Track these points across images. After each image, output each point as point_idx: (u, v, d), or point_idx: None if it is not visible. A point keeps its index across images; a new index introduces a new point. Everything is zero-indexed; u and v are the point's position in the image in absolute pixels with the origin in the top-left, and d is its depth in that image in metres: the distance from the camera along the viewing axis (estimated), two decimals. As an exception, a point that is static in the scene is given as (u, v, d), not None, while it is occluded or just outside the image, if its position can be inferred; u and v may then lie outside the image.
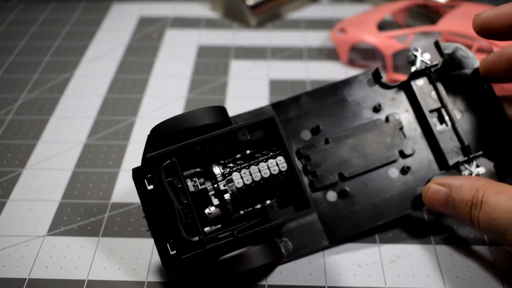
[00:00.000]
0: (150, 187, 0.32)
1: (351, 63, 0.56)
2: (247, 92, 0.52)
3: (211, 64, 0.57)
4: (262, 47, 0.59)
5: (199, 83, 0.54)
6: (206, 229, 0.32)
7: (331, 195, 0.37)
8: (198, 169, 0.33)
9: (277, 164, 0.33)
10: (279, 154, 0.33)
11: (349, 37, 0.54)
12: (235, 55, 0.58)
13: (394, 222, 0.39)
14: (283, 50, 0.59)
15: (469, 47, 0.55)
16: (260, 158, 0.33)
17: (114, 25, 0.63)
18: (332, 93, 0.39)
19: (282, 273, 0.35)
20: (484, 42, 0.50)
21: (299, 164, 0.37)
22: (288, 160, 0.33)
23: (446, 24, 0.51)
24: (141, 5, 0.67)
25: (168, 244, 0.32)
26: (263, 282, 0.35)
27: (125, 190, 0.42)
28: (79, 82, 0.54)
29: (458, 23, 0.50)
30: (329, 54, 0.58)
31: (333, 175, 0.37)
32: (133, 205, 0.41)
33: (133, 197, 0.41)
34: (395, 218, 0.37)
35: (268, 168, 0.33)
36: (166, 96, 0.52)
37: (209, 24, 0.63)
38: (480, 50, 0.51)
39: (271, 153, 0.33)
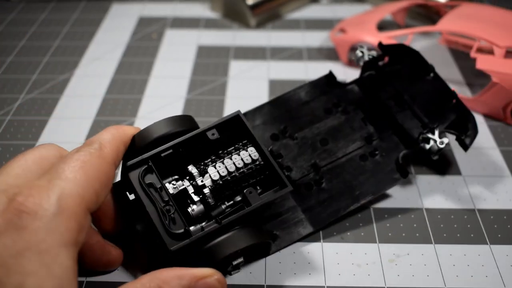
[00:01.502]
0: (132, 196, 0.33)
1: (350, 63, 0.56)
2: (246, 92, 0.52)
3: (211, 64, 0.57)
4: (262, 47, 0.59)
5: (199, 83, 0.54)
6: (192, 228, 0.32)
7: (307, 185, 0.38)
8: (176, 176, 0.34)
9: (249, 155, 0.34)
10: (250, 146, 0.35)
11: (349, 37, 0.54)
12: (234, 55, 0.58)
13: (380, 211, 0.39)
14: (282, 50, 0.59)
15: (470, 47, 0.56)
16: (234, 152, 0.34)
17: (113, 25, 0.63)
18: (293, 98, 0.42)
19: (281, 274, 0.35)
20: (484, 42, 0.49)
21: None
22: (258, 148, 0.34)
23: (446, 24, 0.51)
24: (141, 5, 0.68)
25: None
26: (262, 283, 0.35)
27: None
28: (78, 82, 0.54)
29: (458, 23, 0.50)
30: (329, 54, 0.58)
31: (307, 167, 0.39)
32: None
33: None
34: (374, 196, 0.38)
35: (242, 159, 0.34)
36: (165, 96, 0.52)
37: (208, 24, 0.64)
38: (480, 50, 0.51)
39: (242, 146, 0.35)
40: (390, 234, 0.38)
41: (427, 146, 0.39)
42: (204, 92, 0.52)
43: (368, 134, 0.41)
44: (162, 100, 0.52)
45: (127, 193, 0.34)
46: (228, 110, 0.50)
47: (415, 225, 0.39)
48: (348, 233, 0.38)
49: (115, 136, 0.32)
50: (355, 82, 0.44)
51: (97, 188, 0.29)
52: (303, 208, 0.38)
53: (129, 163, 0.33)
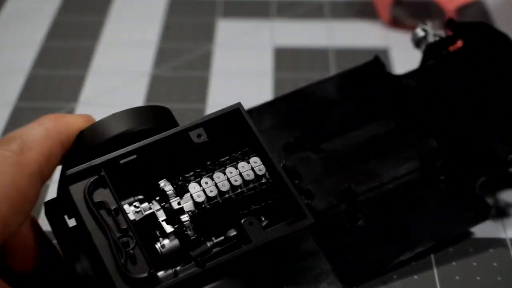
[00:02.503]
0: (72, 222, 0.32)
1: (394, 23, 0.55)
2: (240, 66, 0.51)
3: (188, 26, 0.55)
4: (264, 0, 0.58)
5: (170, 53, 0.52)
6: (160, 273, 0.32)
7: (337, 221, 0.38)
8: (140, 196, 0.34)
9: (252, 168, 0.33)
10: (252, 155, 0.34)
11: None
12: (223, 11, 0.57)
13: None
14: (294, 4, 0.58)
15: None
16: (228, 165, 0.34)
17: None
18: (319, 94, 0.41)
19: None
20: None
21: None
22: (266, 160, 0.33)
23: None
24: None
25: None
26: None
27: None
28: (-11, 51, 0.53)
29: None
30: (362, 10, 0.57)
31: (337, 193, 0.38)
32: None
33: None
34: (436, 242, 0.37)
35: (240, 174, 0.33)
36: (120, 72, 0.51)
37: (184, -34, 0.61)
38: None
39: (241, 156, 0.34)
40: (457, 278, 0.37)
41: None
42: (178, 67, 0.51)
43: (429, 150, 0.40)
44: (116, 78, 0.50)
45: (66, 217, 0.32)
46: (214, 93, 0.48)
47: (495, 264, 0.38)
48: (395, 276, 0.37)
49: (50, 133, 0.31)
50: (412, 74, 0.42)
51: (5, 211, 0.28)
52: (329, 255, 0.37)
53: (70, 171, 0.31)
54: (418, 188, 0.39)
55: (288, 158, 0.39)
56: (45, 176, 0.31)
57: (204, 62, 0.52)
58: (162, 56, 0.52)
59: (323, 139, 0.40)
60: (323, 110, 0.41)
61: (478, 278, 0.37)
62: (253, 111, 0.40)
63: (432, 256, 0.38)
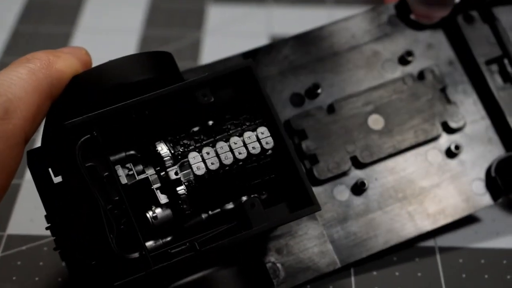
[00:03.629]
0: (58, 179, 0.32)
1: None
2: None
3: (176, 10, 0.55)
4: None
5: (156, 40, 0.52)
6: (149, 243, 0.32)
7: (341, 191, 0.38)
8: (132, 152, 0.33)
9: (258, 139, 0.33)
10: (260, 124, 0.34)
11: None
12: None
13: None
14: None
15: None
16: (232, 131, 0.33)
17: None
18: (334, 38, 0.40)
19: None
20: None
21: None
22: (276, 132, 0.33)
23: None
24: None
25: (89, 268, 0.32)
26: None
27: (30, 214, 0.40)
28: None
29: None
30: None
31: (343, 160, 0.38)
32: (45, 239, 0.40)
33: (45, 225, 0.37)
34: (446, 222, 0.38)
35: (245, 145, 0.33)
36: (99, 63, 0.49)
37: None
38: None
39: (247, 123, 0.34)
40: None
41: None
42: None
43: (449, 118, 0.39)
44: None
45: (50, 170, 0.32)
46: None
47: (509, 277, 0.38)
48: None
49: (40, 85, 0.30)
50: (441, 24, 0.41)
51: None
52: (328, 228, 0.38)
53: (68, 124, 0.30)
54: (434, 159, 0.39)
55: (295, 114, 0.38)
56: (29, 139, 0.30)
57: (193, 52, 0.51)
58: (147, 44, 0.52)
59: (336, 94, 0.39)
60: (339, 57, 0.40)
61: None
62: (259, 51, 0.39)
63: (438, 260, 0.39)
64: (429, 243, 0.39)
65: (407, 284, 0.37)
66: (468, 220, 0.40)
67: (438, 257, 0.39)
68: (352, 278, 0.38)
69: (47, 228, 0.34)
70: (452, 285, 0.37)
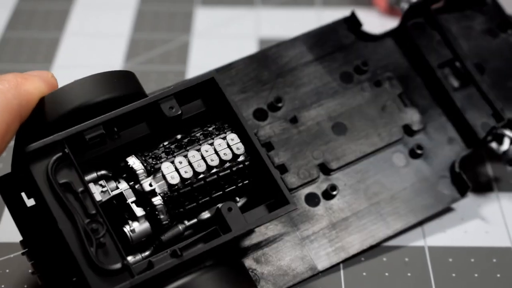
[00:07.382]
0: (31, 202, 0.32)
1: (391, 11, 0.54)
2: (221, 59, 0.46)
3: (163, 14, 0.56)
4: None
5: (144, 45, 0.53)
6: (129, 258, 0.32)
7: (312, 198, 0.39)
8: (104, 172, 0.33)
9: (229, 146, 0.34)
10: (230, 132, 0.34)
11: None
12: None
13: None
14: None
15: None
16: (202, 141, 0.34)
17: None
18: (293, 53, 0.41)
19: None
20: None
21: None
22: (245, 137, 0.34)
23: None
24: None
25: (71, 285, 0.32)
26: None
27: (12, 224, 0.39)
28: None
29: None
30: None
31: (312, 168, 0.39)
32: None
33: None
34: (417, 220, 0.39)
35: (216, 152, 0.33)
36: (88, 66, 0.50)
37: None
38: None
39: (217, 132, 0.35)
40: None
41: (502, 149, 0.39)
42: (152, 60, 0.51)
43: (409, 121, 0.40)
44: (83, 73, 0.46)
45: (23, 194, 0.33)
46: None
47: (498, 275, 0.38)
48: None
49: (9, 105, 0.30)
50: (392, 33, 0.42)
51: None
52: (304, 234, 0.38)
53: (32, 146, 0.31)
54: (398, 161, 0.40)
55: (260, 127, 0.39)
56: None
57: (181, 55, 0.51)
58: (135, 48, 0.52)
59: (297, 106, 0.40)
60: (293, 72, 0.41)
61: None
62: (219, 71, 0.40)
63: (428, 257, 0.39)
64: (419, 243, 0.40)
65: (397, 284, 0.37)
66: (457, 219, 0.41)
67: (428, 256, 0.39)
68: (342, 281, 0.38)
69: (23, 254, 0.34)
70: (442, 284, 0.38)
